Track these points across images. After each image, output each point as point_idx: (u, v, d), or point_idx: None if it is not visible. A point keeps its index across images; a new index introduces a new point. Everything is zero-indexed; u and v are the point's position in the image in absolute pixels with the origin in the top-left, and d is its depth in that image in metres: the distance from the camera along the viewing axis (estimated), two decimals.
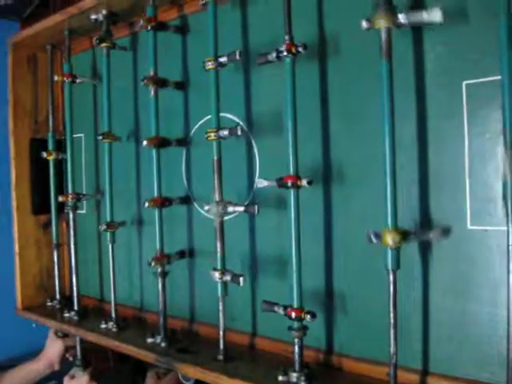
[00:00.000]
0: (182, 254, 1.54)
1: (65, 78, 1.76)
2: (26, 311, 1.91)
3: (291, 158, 1.16)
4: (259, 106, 1.38)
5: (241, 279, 1.26)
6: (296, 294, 1.15)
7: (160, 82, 1.48)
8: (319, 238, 1.26)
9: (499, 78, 0.92)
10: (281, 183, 1.16)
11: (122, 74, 1.72)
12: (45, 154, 1.86)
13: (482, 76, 1.01)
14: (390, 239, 0.98)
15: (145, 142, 1.44)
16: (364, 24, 1.00)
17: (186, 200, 1.56)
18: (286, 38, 1.16)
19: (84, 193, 1.87)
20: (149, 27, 1.45)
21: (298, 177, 1.15)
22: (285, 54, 1.15)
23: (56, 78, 1.79)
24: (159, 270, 1.46)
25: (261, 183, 1.20)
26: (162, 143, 1.48)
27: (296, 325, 1.15)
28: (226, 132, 1.27)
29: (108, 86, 1.63)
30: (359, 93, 1.19)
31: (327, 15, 1.24)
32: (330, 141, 1.24)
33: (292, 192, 1.15)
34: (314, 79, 1.26)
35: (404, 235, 1.00)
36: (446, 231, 1.05)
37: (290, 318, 1.14)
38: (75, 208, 1.79)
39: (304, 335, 1.15)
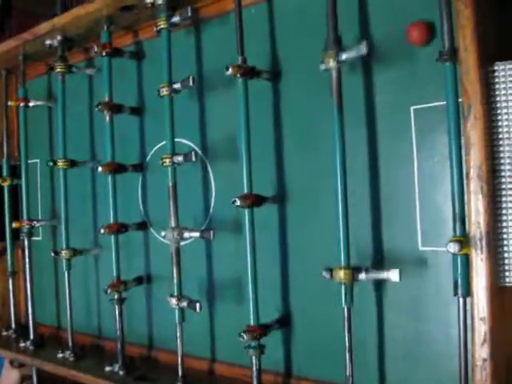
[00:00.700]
0: (139, 280, 1.53)
1: (19, 103, 1.74)
2: None
3: (245, 177, 1.17)
4: (214, 131, 1.39)
5: (197, 305, 1.25)
6: (253, 313, 1.16)
7: (115, 108, 1.48)
8: (275, 262, 1.27)
9: (444, 103, 0.95)
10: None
11: (77, 98, 1.71)
12: None
13: (430, 101, 1.04)
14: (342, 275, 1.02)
15: (100, 169, 1.43)
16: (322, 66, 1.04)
17: (143, 225, 1.55)
18: (240, 59, 1.18)
19: (39, 218, 1.85)
20: (103, 53, 1.45)
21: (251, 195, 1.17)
22: (238, 75, 1.17)
23: (10, 103, 1.77)
24: (116, 296, 1.45)
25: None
26: (117, 169, 1.47)
27: (253, 344, 1.15)
28: (180, 158, 1.28)
29: (63, 112, 1.62)
30: (312, 116, 1.21)
31: (280, 40, 1.27)
32: (283, 164, 1.26)
33: (246, 211, 1.16)
34: (268, 103, 1.28)
35: (356, 271, 1.03)
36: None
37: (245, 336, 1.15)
38: (30, 235, 1.76)
39: (262, 353, 1.16)
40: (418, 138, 1.06)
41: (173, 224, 1.30)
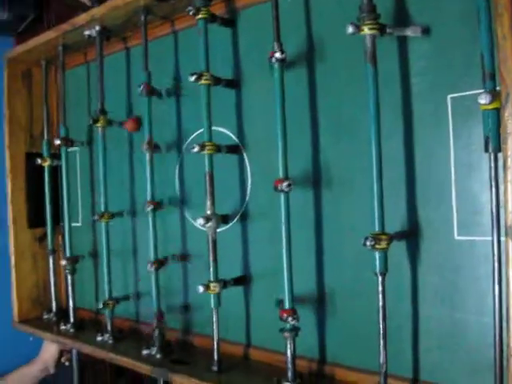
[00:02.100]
0: (177, 258, 1.56)
1: (61, 145, 1.80)
2: (23, 324, 1.92)
3: (281, 161, 1.18)
4: (251, 119, 1.40)
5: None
6: (287, 295, 1.18)
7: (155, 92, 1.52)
8: (310, 247, 1.28)
9: (482, 91, 0.94)
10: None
11: (115, 86, 1.74)
12: (39, 161, 1.88)
13: (467, 89, 1.03)
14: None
15: (145, 146, 1.49)
16: (350, 29, 1.03)
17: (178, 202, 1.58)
18: (276, 45, 1.19)
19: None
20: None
21: (287, 179, 1.18)
22: (273, 60, 1.18)
23: (58, 142, 1.80)
24: (154, 272, 1.48)
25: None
26: (155, 148, 1.52)
27: (288, 326, 1.17)
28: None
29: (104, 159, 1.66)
30: (347, 102, 1.21)
31: (315, 23, 1.27)
32: (319, 148, 1.26)
33: (282, 195, 1.18)
34: (303, 88, 1.28)
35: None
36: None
37: (282, 319, 1.17)
38: (73, 269, 1.82)
39: (296, 336, 1.17)
40: (455, 127, 1.05)
41: (209, 212, 1.32)
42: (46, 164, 1.88)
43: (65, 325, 1.77)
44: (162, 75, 1.58)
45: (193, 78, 1.30)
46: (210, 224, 1.31)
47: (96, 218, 1.66)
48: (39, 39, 1.77)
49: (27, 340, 2.11)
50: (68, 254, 1.79)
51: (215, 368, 1.32)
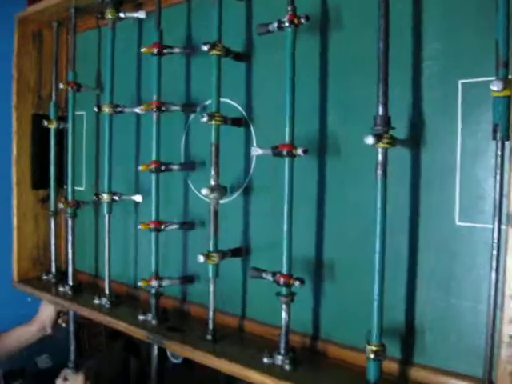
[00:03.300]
0: (180, 224, 1.55)
1: (69, 87, 1.79)
2: (22, 284, 1.93)
3: (287, 126, 1.18)
4: (259, 93, 1.40)
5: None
6: (285, 260, 1.18)
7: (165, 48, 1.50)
8: (311, 222, 1.28)
9: (494, 78, 0.93)
10: (276, 152, 1.18)
11: (125, 49, 1.74)
12: (46, 123, 1.87)
13: (478, 76, 1.03)
14: None
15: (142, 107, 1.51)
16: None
17: (184, 167, 1.57)
18: (289, 8, 1.18)
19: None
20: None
21: (293, 145, 1.17)
22: (287, 24, 1.17)
23: (61, 85, 1.80)
24: (154, 235, 1.50)
25: (256, 151, 1.22)
26: (161, 108, 1.50)
27: (284, 291, 1.18)
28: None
29: (112, 63, 1.64)
30: (358, 78, 1.20)
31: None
32: (326, 123, 1.26)
33: (287, 161, 1.17)
34: (314, 56, 1.28)
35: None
36: None
37: (279, 283, 1.17)
38: (74, 212, 1.81)
39: (292, 301, 1.18)
40: (464, 112, 1.05)
41: (213, 183, 1.33)
42: (53, 126, 1.87)
43: (63, 286, 1.79)
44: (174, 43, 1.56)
45: (206, 48, 1.30)
46: (213, 195, 1.31)
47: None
48: (51, 0, 1.76)
49: (25, 301, 2.14)
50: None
51: (209, 337, 1.34)
